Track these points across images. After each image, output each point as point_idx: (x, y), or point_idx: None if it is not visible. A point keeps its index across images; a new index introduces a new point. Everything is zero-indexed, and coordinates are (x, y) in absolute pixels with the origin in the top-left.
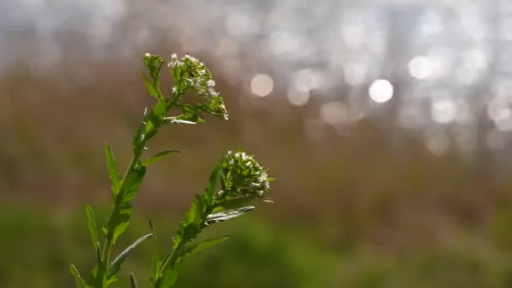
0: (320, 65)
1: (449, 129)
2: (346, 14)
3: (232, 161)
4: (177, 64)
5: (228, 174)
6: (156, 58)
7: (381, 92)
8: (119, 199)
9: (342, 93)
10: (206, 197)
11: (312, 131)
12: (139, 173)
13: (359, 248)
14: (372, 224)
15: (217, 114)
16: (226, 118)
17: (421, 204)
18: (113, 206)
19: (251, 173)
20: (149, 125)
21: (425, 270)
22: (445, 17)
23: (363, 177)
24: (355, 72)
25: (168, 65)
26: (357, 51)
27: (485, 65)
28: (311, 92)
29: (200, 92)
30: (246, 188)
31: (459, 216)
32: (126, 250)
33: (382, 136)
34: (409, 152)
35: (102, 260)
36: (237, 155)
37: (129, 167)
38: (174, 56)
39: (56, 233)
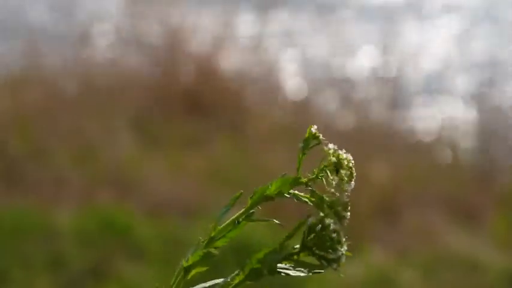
0: (321, 62)
1: (451, 129)
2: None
3: (319, 227)
4: (329, 155)
5: (312, 235)
6: (317, 138)
7: (382, 91)
8: (211, 241)
9: (343, 91)
10: (282, 248)
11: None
12: (239, 226)
13: (360, 249)
14: (373, 225)
15: (337, 217)
16: (345, 224)
17: (423, 204)
18: (202, 246)
19: (333, 245)
20: (273, 190)
21: (427, 271)
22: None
23: (364, 177)
24: (356, 70)
25: (325, 148)
26: (357, 48)
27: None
28: (312, 90)
29: (332, 190)
30: (323, 255)
31: (460, 217)
32: (199, 287)
33: (383, 136)
34: (410, 152)
35: None
36: (327, 221)
37: (234, 217)
38: (331, 146)
39: (57, 234)
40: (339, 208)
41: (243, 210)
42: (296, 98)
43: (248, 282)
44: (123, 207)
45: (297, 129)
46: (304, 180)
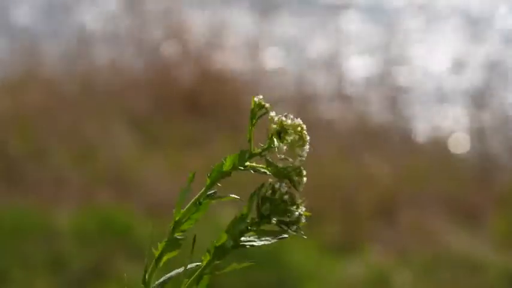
0: (319, 62)
1: (451, 130)
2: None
3: (270, 192)
4: (272, 123)
5: (266, 203)
6: (263, 107)
7: (382, 90)
8: (177, 225)
9: (342, 91)
10: (240, 220)
11: (313, 130)
12: (203, 206)
13: (360, 249)
14: (373, 225)
15: (292, 185)
16: (300, 190)
17: (422, 204)
18: (170, 231)
19: (287, 207)
20: (227, 166)
21: (426, 271)
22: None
23: (363, 177)
24: (355, 70)
25: (269, 117)
26: (356, 48)
27: (488, 66)
28: (311, 89)
29: (282, 157)
30: (281, 219)
31: (460, 217)
32: (172, 273)
33: (382, 136)
34: (410, 152)
35: (147, 279)
36: (276, 185)
37: (195, 198)
38: (273, 113)
39: (57, 234)
40: (292, 173)
41: (203, 190)
42: (296, 98)
43: (217, 262)
44: (122, 207)
45: None
46: (257, 151)
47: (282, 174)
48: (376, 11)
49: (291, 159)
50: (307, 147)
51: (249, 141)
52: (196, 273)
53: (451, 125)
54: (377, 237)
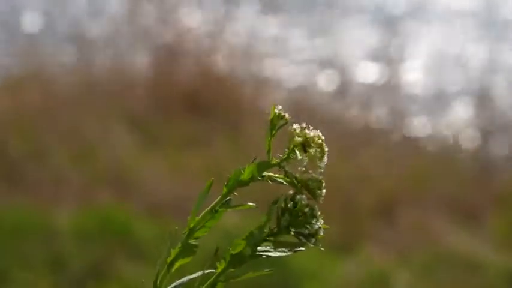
0: (322, 64)
1: (451, 130)
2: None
3: (291, 204)
4: (295, 135)
5: (285, 214)
6: (282, 118)
7: (382, 91)
8: (191, 232)
9: (342, 92)
10: (259, 230)
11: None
12: (218, 214)
13: (360, 248)
14: (373, 225)
15: (311, 196)
16: (320, 202)
17: (422, 204)
18: (183, 237)
19: (307, 220)
20: (246, 175)
21: (426, 271)
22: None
23: (363, 177)
24: (357, 70)
25: (288, 129)
26: (358, 49)
27: (486, 65)
28: (312, 91)
29: (304, 169)
30: (300, 231)
31: (460, 217)
32: (184, 279)
33: (383, 136)
34: (410, 152)
35: (157, 284)
36: (297, 197)
37: (211, 206)
38: (296, 125)
39: (57, 234)
40: (313, 186)
41: (219, 198)
42: (296, 98)
43: (231, 270)
44: (122, 207)
45: None
46: (275, 161)
47: (303, 185)
48: (379, 14)
49: (310, 171)
50: (325, 158)
51: (268, 151)
52: (210, 280)
53: (451, 125)
54: (377, 237)
